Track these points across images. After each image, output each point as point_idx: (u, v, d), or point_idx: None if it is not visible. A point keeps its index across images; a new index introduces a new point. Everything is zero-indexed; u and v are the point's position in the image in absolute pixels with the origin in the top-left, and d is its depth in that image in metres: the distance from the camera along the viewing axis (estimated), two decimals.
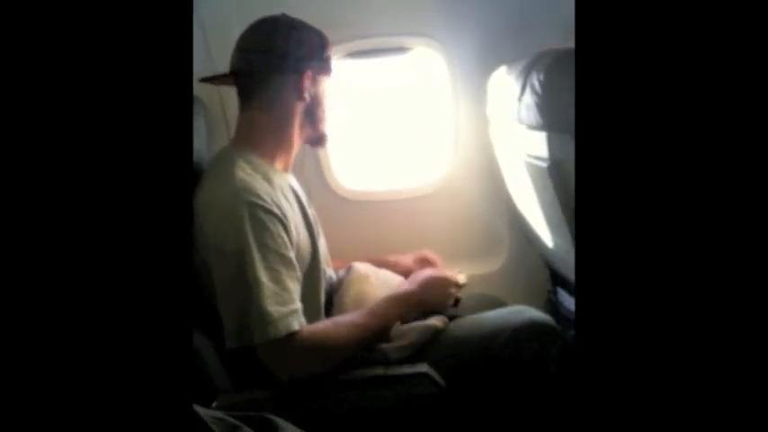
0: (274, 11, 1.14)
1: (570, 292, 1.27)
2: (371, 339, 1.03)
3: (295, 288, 0.98)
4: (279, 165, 1.11)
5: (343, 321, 1.03)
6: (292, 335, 0.94)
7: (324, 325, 1.02)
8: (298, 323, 0.95)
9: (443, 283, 1.14)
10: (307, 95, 1.10)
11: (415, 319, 1.12)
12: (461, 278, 1.19)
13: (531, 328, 1.03)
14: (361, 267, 1.23)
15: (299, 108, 1.11)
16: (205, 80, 1.15)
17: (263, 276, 0.93)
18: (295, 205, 1.09)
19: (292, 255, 0.99)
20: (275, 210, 0.98)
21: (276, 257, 0.96)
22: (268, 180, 1.03)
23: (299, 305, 0.97)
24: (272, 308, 0.93)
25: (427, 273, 1.15)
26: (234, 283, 0.94)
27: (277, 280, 0.95)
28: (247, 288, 0.93)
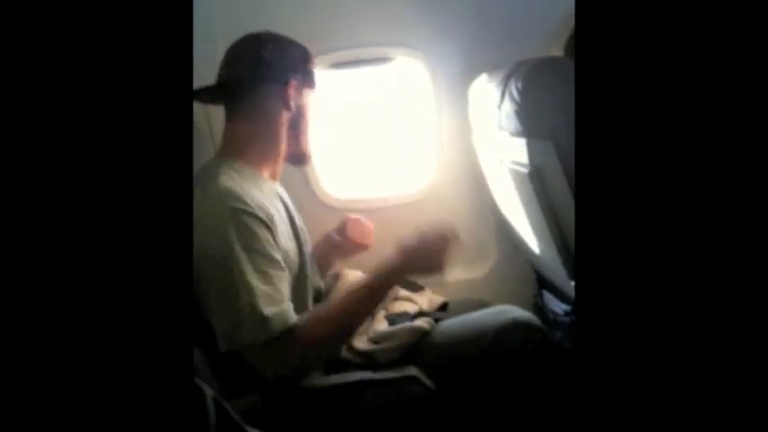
0: (258, 25, 1.16)
1: (555, 295, 1.29)
2: (362, 320, 1.03)
3: (285, 288, 0.99)
4: (266, 173, 1.12)
5: (334, 309, 1.01)
6: (289, 331, 0.94)
7: (315, 316, 1.00)
8: (291, 319, 0.96)
9: (436, 243, 1.04)
10: (292, 105, 1.12)
11: (402, 320, 1.13)
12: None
13: (515, 327, 1.04)
14: (350, 275, 1.24)
15: (285, 118, 1.12)
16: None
17: (253, 279, 0.94)
18: (283, 213, 1.10)
19: (279, 256, 1.00)
20: (260, 214, 0.99)
21: (264, 260, 0.96)
22: (255, 186, 1.04)
23: (290, 303, 0.98)
24: (266, 309, 0.93)
25: (411, 238, 1.05)
26: (224, 288, 0.94)
27: (267, 281, 0.95)
28: (238, 292, 0.93)
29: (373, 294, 1.02)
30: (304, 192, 1.52)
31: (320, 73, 1.33)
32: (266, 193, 1.07)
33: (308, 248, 1.18)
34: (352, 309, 1.00)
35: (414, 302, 1.26)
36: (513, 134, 1.03)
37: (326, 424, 0.97)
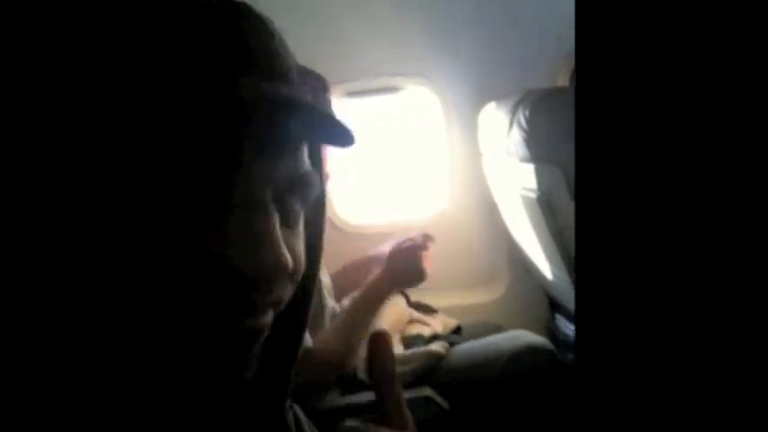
0: None
1: (567, 318, 1.30)
2: (362, 336, 1.02)
3: None
4: None
5: (336, 331, 1.03)
6: (305, 353, 0.96)
7: (321, 340, 1.02)
8: (308, 342, 0.97)
9: (408, 252, 1.09)
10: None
11: (417, 343, 1.15)
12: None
13: (528, 352, 1.06)
14: None
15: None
16: None
17: None
18: None
19: None
20: None
21: None
22: None
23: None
24: None
25: (389, 248, 1.11)
26: None
27: None
28: None
29: (367, 311, 1.04)
30: None
31: (335, 102, 1.38)
32: None
33: (324, 272, 1.21)
34: (351, 327, 1.01)
35: (428, 325, 1.28)
36: (521, 160, 1.07)
37: None
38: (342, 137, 0.35)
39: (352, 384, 1.09)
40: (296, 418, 0.46)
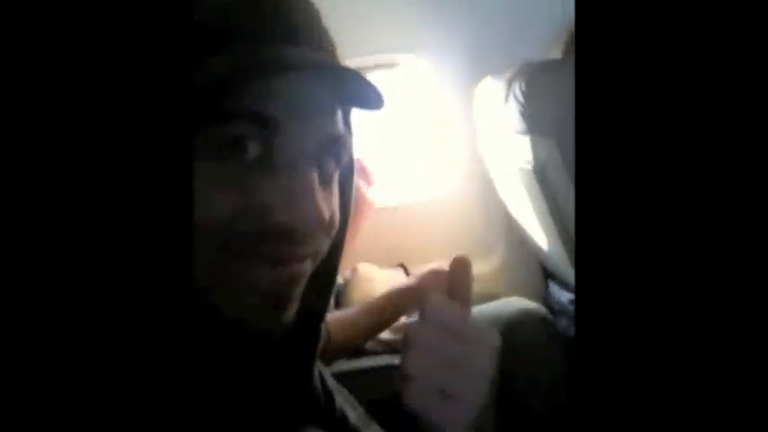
0: None
1: (561, 286, 1.34)
2: (372, 334, 1.08)
3: None
4: None
5: (346, 318, 1.07)
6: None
7: (338, 320, 1.05)
8: None
9: (441, 276, 1.16)
10: None
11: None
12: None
13: (524, 318, 1.10)
14: (366, 269, 1.30)
15: None
16: None
17: None
18: None
19: None
20: None
21: None
22: None
23: None
24: None
25: (427, 268, 1.18)
26: None
27: None
28: None
29: (388, 313, 1.08)
30: None
31: None
32: None
33: None
34: (373, 319, 1.06)
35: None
36: (517, 133, 1.10)
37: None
38: (371, 99, 0.38)
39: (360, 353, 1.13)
40: (321, 377, 0.49)
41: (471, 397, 0.37)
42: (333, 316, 1.10)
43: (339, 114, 0.38)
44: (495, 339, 0.41)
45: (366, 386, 1.04)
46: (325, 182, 0.37)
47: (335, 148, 0.37)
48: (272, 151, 0.34)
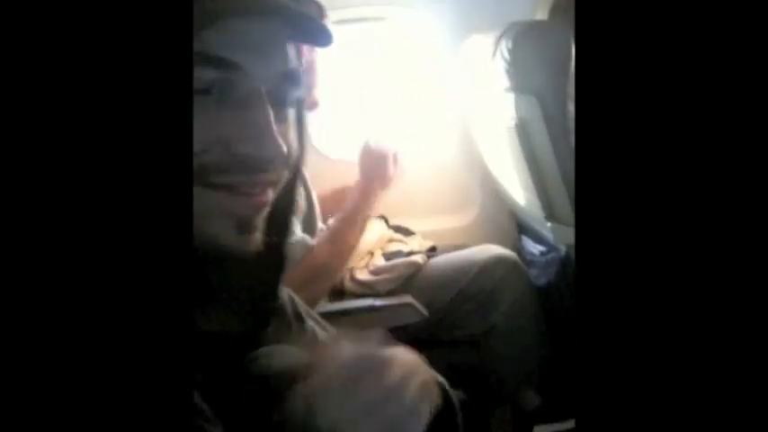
0: None
1: (533, 240, 1.43)
2: (355, 240, 1.14)
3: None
4: None
5: (333, 232, 1.13)
6: (309, 252, 1.05)
7: (321, 240, 1.13)
8: (311, 242, 1.07)
9: (376, 151, 1.21)
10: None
11: (397, 257, 1.26)
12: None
13: (497, 262, 1.19)
14: None
15: None
16: None
17: None
18: None
19: None
20: None
21: None
22: None
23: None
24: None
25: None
26: None
27: None
28: None
29: (354, 221, 1.14)
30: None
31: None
32: None
33: (314, 194, 1.29)
34: (342, 235, 1.12)
35: (406, 244, 1.39)
36: (502, 90, 1.15)
37: None
38: (319, 36, 0.42)
39: (339, 294, 1.20)
40: (292, 300, 0.52)
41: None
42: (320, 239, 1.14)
43: (292, 52, 0.41)
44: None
45: (347, 326, 1.11)
46: (282, 115, 0.41)
47: (289, 83, 0.41)
48: (232, 89, 0.37)
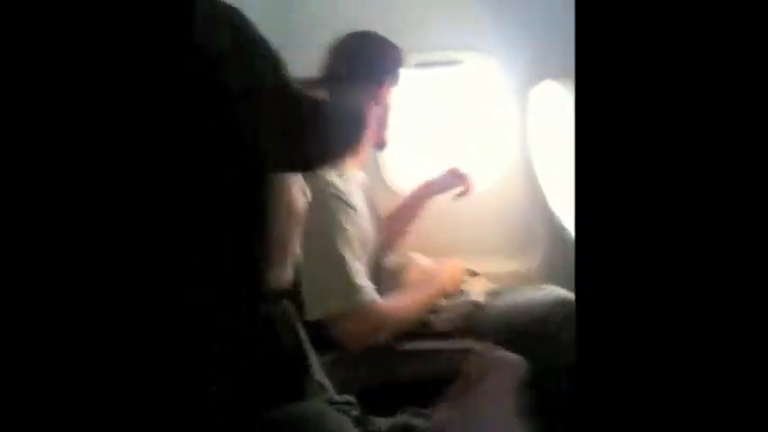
0: (333, 23, 1.28)
1: None
2: (416, 317, 1.18)
3: (365, 267, 1.13)
4: (351, 164, 1.25)
5: (407, 301, 1.17)
6: (375, 306, 1.07)
7: (394, 301, 1.15)
8: (377, 296, 1.09)
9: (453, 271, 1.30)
10: (382, 102, 1.25)
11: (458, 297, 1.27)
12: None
13: (560, 304, 1.16)
14: (415, 257, 1.38)
15: (374, 113, 1.25)
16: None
17: (347, 254, 1.06)
18: (363, 200, 1.24)
19: (362, 239, 1.14)
20: (350, 201, 1.13)
21: (353, 239, 1.10)
22: (341, 176, 1.17)
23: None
24: (358, 280, 1.06)
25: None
26: (317, 259, 1.04)
27: (356, 257, 1.09)
28: (332, 263, 1.05)
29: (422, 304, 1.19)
30: (376, 180, 1.66)
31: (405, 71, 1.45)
32: (348, 181, 1.19)
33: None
34: (418, 304, 1.16)
35: (469, 285, 1.39)
36: (571, 134, 1.15)
37: (394, 389, 1.10)
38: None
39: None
40: (284, 311, 0.54)
41: None
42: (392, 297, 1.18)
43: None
44: None
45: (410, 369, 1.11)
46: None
47: None
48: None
